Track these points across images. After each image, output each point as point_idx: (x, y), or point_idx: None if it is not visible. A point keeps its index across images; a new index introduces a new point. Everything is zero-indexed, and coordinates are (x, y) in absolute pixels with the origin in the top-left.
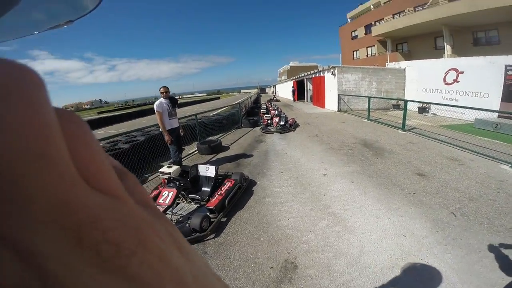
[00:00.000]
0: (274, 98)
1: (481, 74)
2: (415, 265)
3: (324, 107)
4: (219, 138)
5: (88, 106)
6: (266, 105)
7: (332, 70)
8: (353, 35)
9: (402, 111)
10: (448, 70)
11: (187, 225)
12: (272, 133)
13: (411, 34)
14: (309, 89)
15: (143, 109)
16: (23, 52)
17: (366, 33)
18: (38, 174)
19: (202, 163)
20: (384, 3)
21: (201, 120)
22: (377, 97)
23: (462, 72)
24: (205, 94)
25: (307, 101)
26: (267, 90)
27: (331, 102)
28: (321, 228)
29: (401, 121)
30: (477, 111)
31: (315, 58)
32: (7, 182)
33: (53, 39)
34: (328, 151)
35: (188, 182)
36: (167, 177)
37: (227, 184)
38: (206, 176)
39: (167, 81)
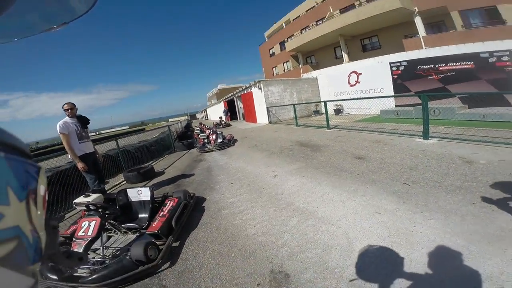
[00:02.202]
0: (223, 122)
1: (375, 73)
2: (410, 237)
3: (256, 122)
4: (150, 164)
5: None
6: (199, 127)
7: (258, 84)
8: (271, 52)
9: (323, 115)
10: (350, 73)
11: (127, 257)
12: (212, 151)
13: (316, 47)
14: (240, 107)
15: (48, 150)
16: None
17: (281, 50)
18: None
19: (132, 188)
20: (293, 19)
21: (124, 149)
22: (299, 103)
23: (360, 74)
24: (127, 127)
25: (239, 119)
26: (198, 115)
27: (261, 116)
28: (294, 226)
29: (325, 123)
30: (380, 105)
31: (241, 79)
32: None
33: None
34: (270, 156)
35: (115, 207)
36: (85, 208)
37: (169, 204)
38: (140, 201)
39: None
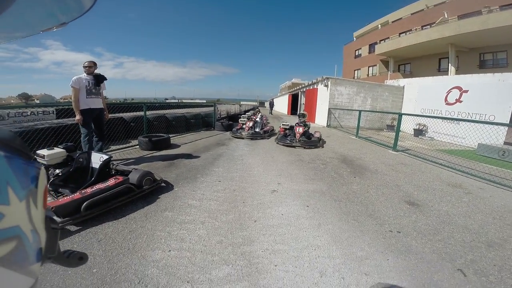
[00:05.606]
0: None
1: (488, 93)
2: None
3: (314, 122)
4: (173, 136)
5: None
6: (254, 111)
7: (325, 81)
8: (357, 53)
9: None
10: (450, 89)
11: None
12: (242, 138)
13: (415, 54)
14: (302, 103)
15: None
16: (37, 40)
17: (369, 52)
18: None
19: (100, 152)
20: (393, 22)
21: (163, 115)
22: (368, 111)
23: (466, 91)
24: (205, 101)
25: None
26: (266, 104)
27: (321, 117)
28: (213, 279)
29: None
30: (481, 137)
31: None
32: None
33: (67, 31)
34: (294, 163)
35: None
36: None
37: (108, 182)
38: (96, 168)
39: (170, 84)
